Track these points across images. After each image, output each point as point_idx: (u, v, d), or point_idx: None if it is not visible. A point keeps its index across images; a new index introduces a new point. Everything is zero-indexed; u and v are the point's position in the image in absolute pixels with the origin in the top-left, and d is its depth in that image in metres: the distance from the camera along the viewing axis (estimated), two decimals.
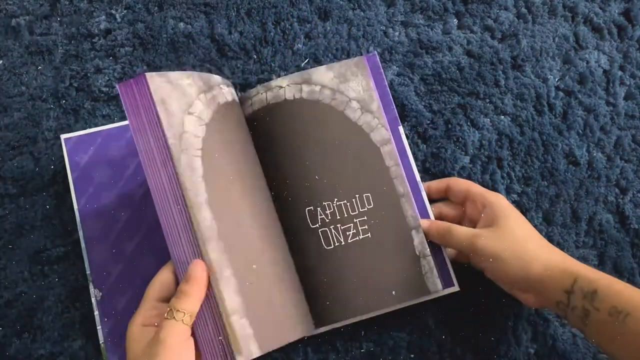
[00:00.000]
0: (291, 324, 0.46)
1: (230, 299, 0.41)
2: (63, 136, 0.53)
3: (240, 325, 0.41)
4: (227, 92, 0.49)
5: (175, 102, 0.43)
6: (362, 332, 0.51)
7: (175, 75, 0.44)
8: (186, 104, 0.44)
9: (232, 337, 0.40)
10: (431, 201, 0.51)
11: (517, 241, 0.44)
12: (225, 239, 0.43)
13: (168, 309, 0.40)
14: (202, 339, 0.41)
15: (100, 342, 0.49)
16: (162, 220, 0.42)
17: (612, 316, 0.40)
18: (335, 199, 0.49)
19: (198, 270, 0.40)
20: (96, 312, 0.49)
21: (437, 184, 0.52)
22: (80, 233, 0.51)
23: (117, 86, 0.41)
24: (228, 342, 0.40)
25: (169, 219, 0.42)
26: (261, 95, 0.50)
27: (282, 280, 0.46)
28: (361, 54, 0.51)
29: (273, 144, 0.50)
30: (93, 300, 0.50)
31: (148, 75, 0.41)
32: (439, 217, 0.51)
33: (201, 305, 0.41)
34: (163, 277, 0.43)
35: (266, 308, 0.44)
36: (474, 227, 0.48)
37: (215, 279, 0.41)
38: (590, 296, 0.41)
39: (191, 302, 0.40)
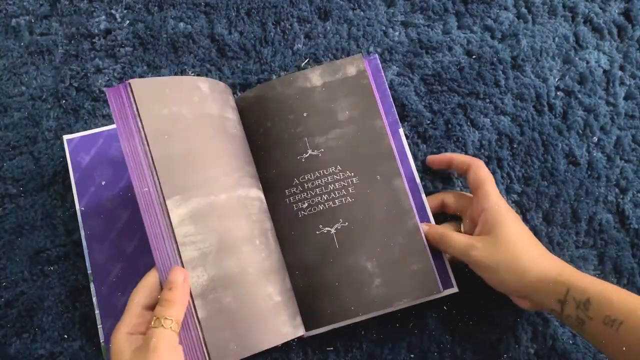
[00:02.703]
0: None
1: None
2: (65, 137, 0.53)
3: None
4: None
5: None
6: (362, 332, 0.51)
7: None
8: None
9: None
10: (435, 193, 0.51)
11: (512, 252, 0.44)
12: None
13: (154, 317, 0.40)
14: (184, 344, 0.41)
15: (101, 341, 0.49)
16: (147, 225, 0.42)
17: (607, 325, 0.40)
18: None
19: (179, 277, 0.41)
20: (97, 311, 0.49)
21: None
22: (82, 232, 0.51)
23: (105, 91, 0.43)
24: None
25: (153, 225, 0.42)
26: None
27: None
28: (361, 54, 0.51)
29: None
30: (94, 299, 0.50)
31: (133, 81, 0.42)
32: (441, 206, 0.51)
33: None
34: (149, 283, 0.42)
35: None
36: (474, 226, 0.48)
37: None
38: (583, 305, 0.41)
39: (176, 308, 0.40)
